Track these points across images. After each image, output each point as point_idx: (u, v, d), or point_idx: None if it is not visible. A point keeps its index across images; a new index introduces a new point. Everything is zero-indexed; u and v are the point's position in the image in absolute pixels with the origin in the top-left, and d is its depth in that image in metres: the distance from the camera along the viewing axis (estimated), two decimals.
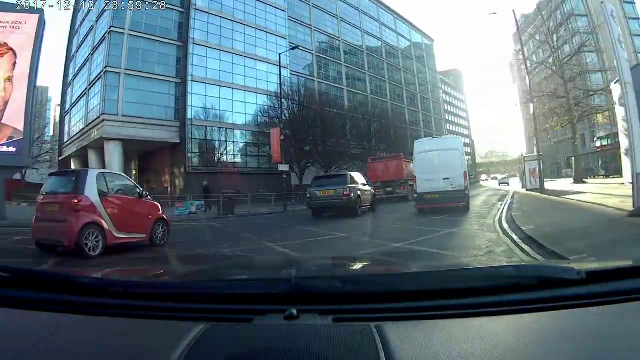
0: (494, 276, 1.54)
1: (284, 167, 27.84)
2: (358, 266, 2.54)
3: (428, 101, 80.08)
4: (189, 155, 38.49)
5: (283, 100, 36.29)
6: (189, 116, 38.49)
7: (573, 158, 45.10)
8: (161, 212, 10.34)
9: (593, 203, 13.94)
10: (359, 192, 17.55)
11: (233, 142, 41.57)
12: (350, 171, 21.73)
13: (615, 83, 24.70)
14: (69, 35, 49.66)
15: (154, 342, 1.19)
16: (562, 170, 76.52)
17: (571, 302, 1.27)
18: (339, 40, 57.56)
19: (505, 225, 10.43)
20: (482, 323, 1.21)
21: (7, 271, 1.54)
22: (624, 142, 23.37)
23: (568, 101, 27.24)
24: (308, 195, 17.97)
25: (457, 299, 1.31)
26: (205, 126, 39.61)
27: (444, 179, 15.59)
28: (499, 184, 55.69)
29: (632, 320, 1.21)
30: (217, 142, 40.60)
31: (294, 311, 1.23)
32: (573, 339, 1.12)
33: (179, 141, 38.30)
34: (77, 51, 45.80)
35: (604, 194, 17.63)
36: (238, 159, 42.44)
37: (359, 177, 19.53)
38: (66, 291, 1.48)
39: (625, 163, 22.71)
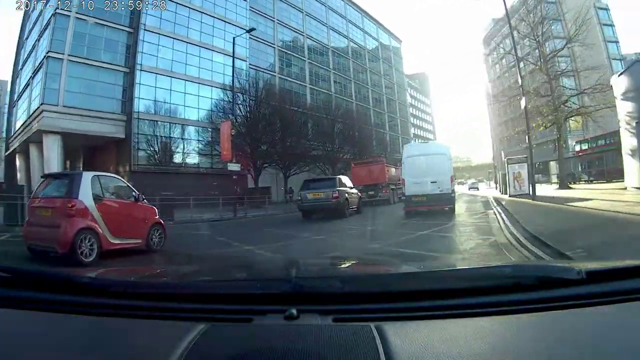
0: (494, 276, 1.54)
1: (234, 167, 25.47)
2: (358, 266, 2.58)
3: (394, 103, 79.59)
4: (135, 152, 35.75)
5: (239, 94, 34.64)
6: (135, 109, 35.78)
7: (555, 162, 44.16)
8: (157, 216, 10.17)
9: (620, 212, 11.24)
10: (347, 195, 18.77)
11: (184, 139, 38.86)
12: (311, 173, 24.37)
13: (619, 76, 23.27)
14: (22, 22, 45.55)
15: (154, 342, 1.21)
16: (534, 175, 77.07)
17: (571, 302, 1.29)
18: (304, 36, 55.98)
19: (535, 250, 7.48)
20: (482, 323, 1.23)
21: (7, 271, 1.58)
22: (628, 142, 22.17)
23: (553, 100, 25.54)
24: (299, 198, 19.02)
25: (457, 299, 1.33)
26: (154, 121, 36.94)
27: (431, 183, 16.37)
28: (469, 189, 56.82)
29: (632, 320, 1.24)
30: (166, 139, 38.03)
31: (294, 311, 1.25)
32: (573, 339, 1.14)
33: (124, 136, 35.56)
34: (27, 37, 42.19)
35: (616, 200, 15.41)
36: (190, 159, 39.91)
37: (346, 180, 20.76)
38: (66, 291, 1.50)
39: (631, 165, 21.69)
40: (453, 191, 17.33)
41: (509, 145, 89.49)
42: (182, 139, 38.77)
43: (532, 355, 1.06)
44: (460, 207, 19.31)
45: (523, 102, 21.24)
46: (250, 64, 43.39)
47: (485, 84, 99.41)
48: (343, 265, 2.60)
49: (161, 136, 37.37)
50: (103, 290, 1.49)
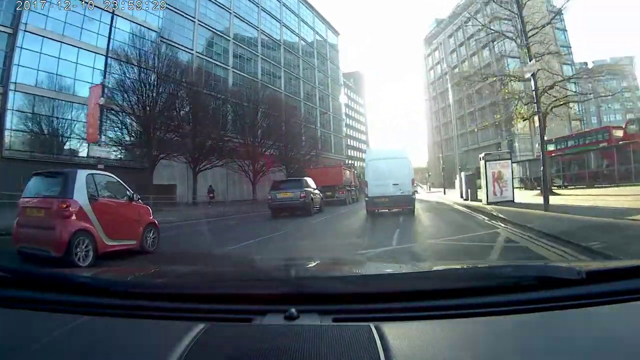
0: (494, 276, 1.58)
1: (99, 151, 20.46)
2: (357, 266, 2.87)
3: (327, 98, 77.16)
4: (8, 134, 29.55)
5: (134, 66, 29.75)
6: (13, 79, 29.54)
7: (518, 165, 41.35)
8: (152, 216, 10.08)
9: None
10: (312, 195, 21.23)
11: (76, 121, 32.58)
12: (227, 169, 25.97)
13: None
14: None
15: (154, 342, 1.24)
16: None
17: (571, 302, 1.33)
18: (230, 13, 51.27)
19: None
20: (482, 323, 1.27)
21: (5, 271, 1.62)
22: None
23: (535, 86, 22.16)
24: (269, 197, 20.95)
25: (456, 299, 1.37)
26: (38, 96, 30.94)
27: (393, 185, 17.51)
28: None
29: (633, 320, 1.27)
30: (53, 120, 31.95)
31: (294, 311, 1.29)
32: (573, 339, 1.17)
33: None
34: None
35: None
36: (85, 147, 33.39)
37: (310, 181, 22.96)
38: (65, 291, 1.55)
39: None
40: (413, 193, 18.59)
41: (447, 149, 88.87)
42: (74, 120, 32.69)
43: (532, 356, 1.09)
44: (432, 223, 15.43)
45: (534, 80, 16.61)
46: (162, 37, 38.42)
47: (424, 86, 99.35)
48: (343, 266, 2.86)
49: (46, 115, 31.48)
50: (102, 290, 1.53)
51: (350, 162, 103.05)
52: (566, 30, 67.70)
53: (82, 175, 8.18)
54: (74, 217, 7.66)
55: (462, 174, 28.70)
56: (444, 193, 42.21)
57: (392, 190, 17.65)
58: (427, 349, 1.11)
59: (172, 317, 1.38)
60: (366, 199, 18.76)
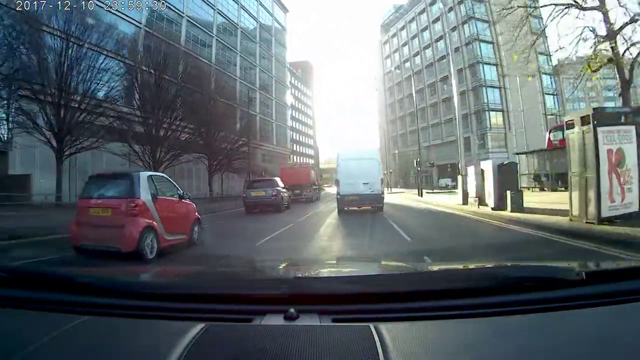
0: (494, 276, 1.58)
1: None
2: (357, 267, 2.78)
3: (270, 81, 65.26)
4: None
5: None
6: None
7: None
8: (196, 212, 10.79)
9: None
10: (282, 194, 23.29)
11: None
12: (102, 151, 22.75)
13: None
14: None
15: (154, 342, 1.24)
16: (429, 179, 68.20)
17: (571, 303, 1.34)
18: None
19: None
20: (482, 323, 1.27)
21: (5, 271, 1.66)
22: None
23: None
24: (244, 195, 23.05)
25: (456, 300, 1.37)
26: None
27: (363, 184, 18.32)
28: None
29: (632, 320, 1.28)
30: None
31: (294, 311, 1.30)
32: (573, 340, 1.17)
33: None
34: None
35: None
36: None
37: (279, 181, 24.73)
38: (66, 291, 1.55)
39: None
40: (382, 192, 19.33)
41: (403, 145, 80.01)
42: None
43: (532, 356, 1.09)
44: None
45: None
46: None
47: (379, 77, 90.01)
48: (342, 267, 2.85)
49: None
50: (103, 290, 1.52)
51: (296, 158, 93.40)
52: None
53: (144, 176, 8.73)
54: (141, 216, 8.11)
55: (480, 165, 17.74)
56: (420, 195, 36.74)
57: (362, 189, 18.23)
58: (426, 349, 1.11)
59: (172, 317, 1.38)
60: (338, 197, 19.00)
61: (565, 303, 1.34)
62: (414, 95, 54.41)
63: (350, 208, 18.87)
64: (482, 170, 16.98)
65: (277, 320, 1.29)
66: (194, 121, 31.78)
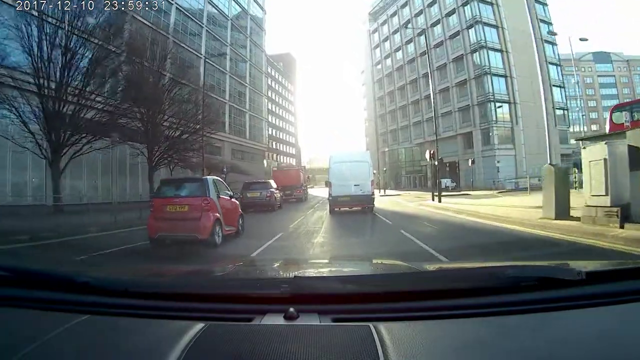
0: (494, 276, 1.55)
1: None
2: (357, 267, 2.77)
3: (244, 66, 55.91)
4: None
5: None
6: None
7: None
8: (239, 208, 12.80)
9: None
10: (275, 194, 24.95)
11: None
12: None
13: None
14: None
15: (154, 341, 1.23)
16: (423, 179, 60.83)
17: (571, 303, 1.34)
18: None
19: None
20: (482, 323, 1.27)
21: (5, 270, 1.62)
22: None
23: None
24: (240, 196, 19.72)
25: (456, 299, 1.38)
26: None
27: (354, 185, 19.01)
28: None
29: (632, 320, 1.28)
30: None
31: (294, 311, 1.30)
32: (573, 340, 1.17)
33: None
34: None
35: None
36: None
37: (273, 183, 26.78)
38: (66, 290, 1.55)
39: None
40: (373, 193, 19.95)
41: (395, 142, 72.45)
42: None
43: (532, 356, 1.09)
44: None
45: None
46: None
47: (367, 69, 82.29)
48: (342, 266, 2.80)
49: None
50: (103, 290, 1.52)
51: (275, 156, 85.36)
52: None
53: (211, 180, 10.86)
54: (212, 211, 9.98)
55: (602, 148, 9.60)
56: (438, 200, 26.66)
57: (353, 190, 18.91)
58: (426, 349, 1.11)
59: (172, 317, 1.37)
60: (330, 198, 19.63)
61: (565, 303, 1.34)
62: (406, 84, 46.16)
63: (342, 209, 19.41)
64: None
65: (277, 320, 1.29)
66: (126, 97, 23.56)
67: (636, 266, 1.51)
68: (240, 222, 12.17)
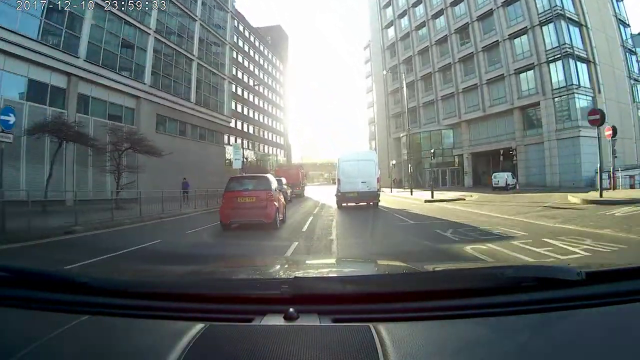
0: (494, 277, 1.54)
1: None
2: (357, 267, 2.76)
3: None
4: None
5: None
6: None
7: None
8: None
9: None
10: (285, 189, 25.08)
11: None
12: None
13: None
14: None
15: (154, 342, 1.23)
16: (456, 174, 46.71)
17: (571, 303, 1.33)
18: None
19: None
20: (482, 323, 1.26)
21: (5, 270, 1.60)
22: None
23: None
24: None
25: (456, 300, 1.37)
26: None
27: (362, 182, 20.09)
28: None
29: (632, 321, 1.26)
30: None
31: (294, 312, 1.29)
32: (573, 340, 1.16)
33: None
34: None
35: None
36: None
37: (284, 180, 27.70)
38: (66, 290, 1.53)
39: None
40: (378, 189, 21.02)
41: (414, 124, 53.97)
42: None
43: (532, 356, 1.08)
44: None
45: None
46: None
47: (374, 32, 64.51)
48: (342, 266, 2.76)
49: None
50: (102, 290, 1.51)
51: (257, 146, 68.51)
52: None
53: (270, 177, 14.18)
54: (274, 201, 12.47)
55: None
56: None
57: (360, 187, 19.99)
58: (426, 349, 1.10)
59: (172, 317, 1.37)
60: (338, 194, 20.79)
61: (565, 303, 1.33)
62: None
63: (349, 204, 20.58)
64: None
65: (277, 320, 1.29)
66: None
67: (636, 266, 1.46)
68: (285, 211, 14.95)
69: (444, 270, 2.10)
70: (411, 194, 30.95)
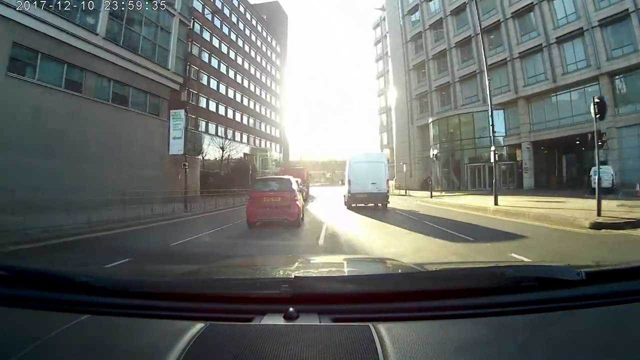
0: (494, 277, 1.55)
1: None
2: (357, 267, 2.71)
3: None
4: None
5: None
6: None
7: None
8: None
9: None
10: (302, 188, 26.12)
11: None
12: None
13: None
14: None
15: (154, 341, 1.23)
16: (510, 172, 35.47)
17: (571, 303, 1.35)
18: None
19: None
20: (482, 323, 1.27)
21: (5, 269, 1.60)
22: None
23: None
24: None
25: (456, 300, 1.38)
26: None
27: (371, 184, 20.38)
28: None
29: (632, 320, 1.28)
30: None
31: (294, 311, 1.30)
32: (573, 340, 1.17)
33: None
34: None
35: None
36: None
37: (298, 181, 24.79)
38: (66, 290, 1.54)
39: None
40: (388, 191, 21.10)
41: (445, 105, 40.85)
42: None
43: (532, 356, 1.09)
44: None
45: None
46: None
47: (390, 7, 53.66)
48: (342, 266, 2.65)
49: None
50: (103, 289, 1.52)
51: (253, 140, 57.70)
52: None
53: (292, 179, 14.57)
54: (297, 201, 13.38)
55: None
56: None
57: (370, 188, 20.25)
58: (426, 349, 1.10)
59: (172, 317, 1.37)
60: (348, 194, 21.18)
61: (565, 303, 1.34)
62: None
63: (358, 205, 21.07)
64: None
65: (277, 320, 1.29)
66: None
67: (636, 266, 1.48)
68: (303, 211, 15.79)
69: (444, 270, 2.06)
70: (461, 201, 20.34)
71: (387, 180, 21.40)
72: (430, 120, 40.69)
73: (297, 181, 23.83)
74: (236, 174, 42.36)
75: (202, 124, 45.15)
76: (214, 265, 3.18)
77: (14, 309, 1.48)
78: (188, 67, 40.06)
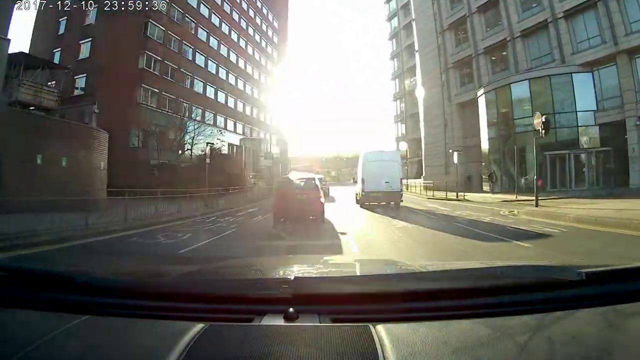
0: (494, 277, 1.59)
1: None
2: (357, 267, 2.73)
3: None
4: None
5: None
6: None
7: None
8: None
9: None
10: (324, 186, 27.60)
11: None
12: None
13: None
14: None
15: (154, 342, 1.25)
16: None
17: (571, 303, 1.37)
18: None
19: None
20: (482, 323, 1.27)
21: (5, 270, 1.62)
22: None
23: None
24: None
25: (456, 300, 1.39)
26: None
27: (385, 182, 20.78)
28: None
29: (632, 320, 1.32)
30: None
31: (294, 312, 1.32)
32: (573, 340, 1.19)
33: None
34: None
35: None
36: None
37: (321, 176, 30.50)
38: (66, 291, 1.54)
39: None
40: (401, 189, 21.73)
41: (501, 70, 22.57)
42: None
43: (532, 356, 1.11)
44: None
45: None
46: None
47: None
48: (342, 267, 2.73)
49: None
50: (102, 290, 1.53)
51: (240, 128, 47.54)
52: None
53: (316, 177, 16.18)
54: (320, 199, 14.13)
55: None
56: None
57: (384, 187, 20.70)
58: (426, 349, 1.11)
59: (172, 317, 1.38)
60: (363, 193, 21.42)
61: (565, 303, 1.36)
62: None
63: (371, 203, 21.05)
64: None
65: (277, 320, 1.31)
66: None
67: (635, 266, 1.49)
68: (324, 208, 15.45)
69: (444, 270, 2.06)
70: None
71: (401, 179, 21.95)
72: (482, 91, 30.30)
73: (320, 179, 22.32)
74: (215, 169, 28.77)
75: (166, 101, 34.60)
76: (214, 265, 3.10)
77: (14, 309, 1.46)
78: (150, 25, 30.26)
